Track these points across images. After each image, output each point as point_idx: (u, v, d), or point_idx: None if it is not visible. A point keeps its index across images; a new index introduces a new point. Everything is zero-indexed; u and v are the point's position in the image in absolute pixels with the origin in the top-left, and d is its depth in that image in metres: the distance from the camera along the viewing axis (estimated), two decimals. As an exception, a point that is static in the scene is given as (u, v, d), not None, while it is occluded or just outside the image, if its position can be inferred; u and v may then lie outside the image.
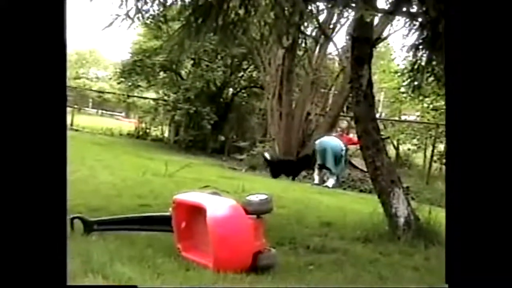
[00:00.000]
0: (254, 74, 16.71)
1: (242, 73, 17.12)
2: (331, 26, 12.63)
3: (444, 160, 14.61)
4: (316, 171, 11.36)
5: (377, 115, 15.82)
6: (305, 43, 13.02)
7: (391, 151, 15.31)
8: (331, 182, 11.12)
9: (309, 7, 4.71)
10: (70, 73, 34.68)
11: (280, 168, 11.85)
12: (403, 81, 13.77)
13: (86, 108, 31.91)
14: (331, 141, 11.38)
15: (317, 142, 11.59)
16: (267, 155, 12.23)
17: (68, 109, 17.83)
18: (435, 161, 14.40)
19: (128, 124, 21.92)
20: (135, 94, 20.05)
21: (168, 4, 4.67)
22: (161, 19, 5.66)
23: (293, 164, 11.97)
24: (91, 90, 31.30)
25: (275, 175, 11.66)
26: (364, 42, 5.10)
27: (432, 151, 14.28)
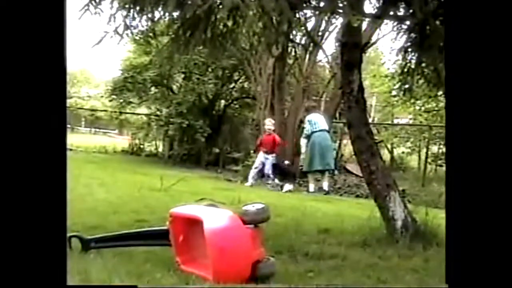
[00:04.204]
0: (246, 84, 16.70)
1: (233, 84, 17.11)
2: (320, 33, 12.66)
3: (438, 162, 14.66)
4: (311, 179, 11.22)
5: (370, 120, 15.85)
6: (295, 52, 13.05)
7: (386, 155, 15.35)
8: (325, 184, 10.98)
9: (297, 15, 4.72)
10: (61, 92, 34.47)
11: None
12: (394, 85, 13.83)
13: (79, 127, 31.86)
14: (324, 137, 11.09)
15: (309, 135, 11.17)
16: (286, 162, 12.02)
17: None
18: (429, 163, 14.43)
19: (121, 141, 21.88)
20: (127, 111, 19.99)
21: (156, 19, 4.66)
22: (150, 34, 5.64)
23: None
24: (83, 108, 31.19)
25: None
26: (353, 47, 5.12)
27: (426, 153, 14.29)
